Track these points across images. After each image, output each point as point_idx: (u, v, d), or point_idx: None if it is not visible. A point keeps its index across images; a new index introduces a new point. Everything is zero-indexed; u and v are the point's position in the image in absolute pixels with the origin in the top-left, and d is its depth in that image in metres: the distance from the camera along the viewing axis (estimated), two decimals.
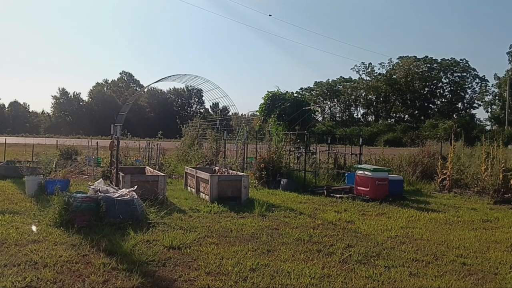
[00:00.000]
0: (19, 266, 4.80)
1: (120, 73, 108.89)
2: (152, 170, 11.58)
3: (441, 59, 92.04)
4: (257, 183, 12.87)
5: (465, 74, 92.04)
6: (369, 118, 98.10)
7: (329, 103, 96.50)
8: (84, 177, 14.06)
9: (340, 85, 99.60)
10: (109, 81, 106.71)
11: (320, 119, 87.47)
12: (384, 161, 16.06)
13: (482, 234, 7.48)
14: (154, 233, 6.54)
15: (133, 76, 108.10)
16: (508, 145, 15.88)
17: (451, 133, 13.99)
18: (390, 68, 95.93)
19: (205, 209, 8.69)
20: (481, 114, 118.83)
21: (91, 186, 7.78)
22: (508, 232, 7.71)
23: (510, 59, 78.35)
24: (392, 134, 71.43)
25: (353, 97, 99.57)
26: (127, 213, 7.04)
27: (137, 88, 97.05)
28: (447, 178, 13.22)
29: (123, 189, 7.85)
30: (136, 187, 7.98)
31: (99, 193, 7.31)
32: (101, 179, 8.58)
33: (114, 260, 5.08)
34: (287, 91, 20.51)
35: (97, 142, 17.85)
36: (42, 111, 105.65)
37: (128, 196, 7.41)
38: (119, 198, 7.24)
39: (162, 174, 9.97)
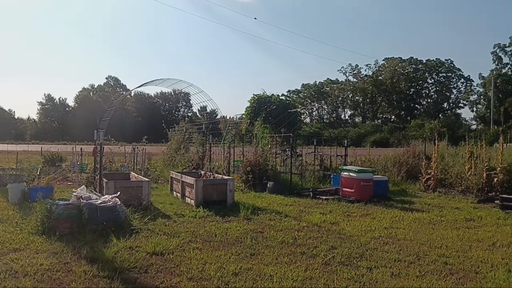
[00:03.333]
0: None
1: (107, 78, 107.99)
2: (137, 175, 11.52)
3: (426, 60, 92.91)
4: (243, 186, 12.87)
5: (450, 74, 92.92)
6: (357, 119, 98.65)
7: (316, 105, 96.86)
8: (69, 183, 13.93)
9: (327, 87, 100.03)
10: (95, 86, 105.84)
11: (307, 121, 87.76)
12: (369, 162, 16.16)
13: (464, 233, 7.56)
14: (137, 239, 6.51)
15: (120, 81, 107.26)
16: (494, 144, 16.06)
17: (435, 133, 14.12)
18: (376, 70, 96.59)
19: (190, 214, 8.66)
20: (466, 113, 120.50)
21: (74, 193, 7.72)
22: (490, 230, 7.80)
23: (494, 58, 79.44)
24: (379, 135, 71.81)
25: (340, 98, 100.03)
26: (110, 220, 7.01)
27: (124, 93, 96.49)
28: (432, 178, 13.34)
29: (106, 196, 7.80)
30: (119, 193, 7.93)
31: (82, 200, 7.26)
32: (83, 185, 8.51)
33: (95, 268, 5.05)
34: (272, 94, 20.52)
35: (81, 148, 17.67)
36: (28, 118, 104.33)
37: (111, 202, 7.37)
38: (102, 204, 7.21)
39: (146, 179, 9.94)
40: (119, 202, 7.42)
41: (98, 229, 6.75)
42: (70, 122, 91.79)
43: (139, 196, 9.00)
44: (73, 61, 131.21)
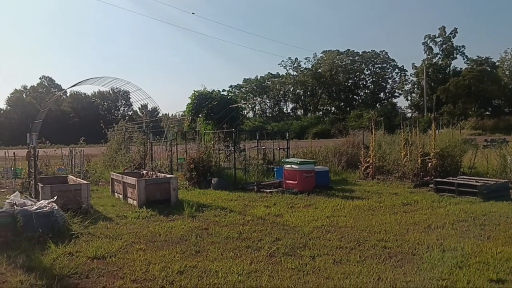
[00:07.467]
0: None
1: (40, 78, 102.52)
2: (75, 178, 11.10)
3: (362, 52, 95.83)
4: (187, 184, 12.74)
5: (385, 65, 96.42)
6: (299, 112, 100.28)
7: (258, 99, 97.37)
8: (2, 190, 13.21)
9: (269, 81, 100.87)
10: (28, 87, 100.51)
11: (250, 115, 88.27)
12: (311, 153, 16.51)
13: (402, 217, 7.92)
14: (77, 244, 6.29)
15: (54, 81, 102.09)
16: (428, 131, 16.88)
17: (372, 123, 14.64)
18: (315, 63, 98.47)
19: (132, 215, 8.47)
20: (402, 102, 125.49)
21: (7, 200, 7.34)
22: (425, 213, 8.23)
23: (425, 49, 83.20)
24: (321, 127, 73.48)
25: (282, 92, 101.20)
26: (47, 226, 6.74)
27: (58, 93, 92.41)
28: (370, 166, 13.84)
29: (42, 201, 7.47)
30: (56, 197, 7.62)
31: (15, 207, 6.92)
32: (17, 192, 8.10)
33: (32, 277, 4.83)
34: (213, 90, 20.47)
35: (14, 153, 16.75)
36: None
37: (48, 207, 7.07)
38: (38, 210, 6.91)
39: (85, 182, 9.59)
40: (56, 207, 7.14)
41: (34, 236, 6.46)
42: (2, 126, 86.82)
43: (78, 200, 8.67)
44: (2, 61, 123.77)
